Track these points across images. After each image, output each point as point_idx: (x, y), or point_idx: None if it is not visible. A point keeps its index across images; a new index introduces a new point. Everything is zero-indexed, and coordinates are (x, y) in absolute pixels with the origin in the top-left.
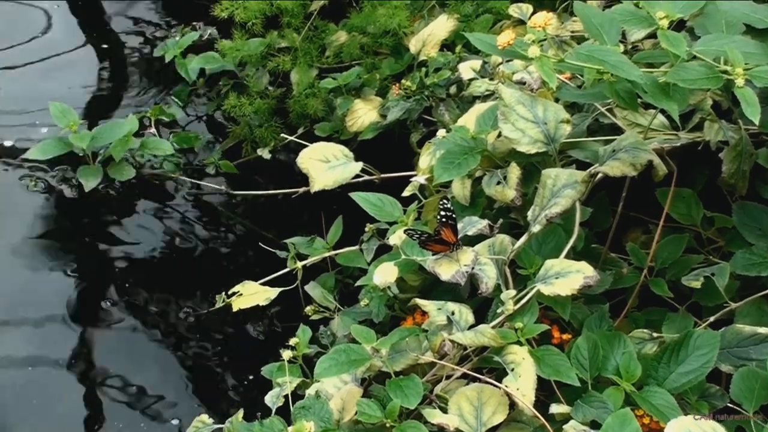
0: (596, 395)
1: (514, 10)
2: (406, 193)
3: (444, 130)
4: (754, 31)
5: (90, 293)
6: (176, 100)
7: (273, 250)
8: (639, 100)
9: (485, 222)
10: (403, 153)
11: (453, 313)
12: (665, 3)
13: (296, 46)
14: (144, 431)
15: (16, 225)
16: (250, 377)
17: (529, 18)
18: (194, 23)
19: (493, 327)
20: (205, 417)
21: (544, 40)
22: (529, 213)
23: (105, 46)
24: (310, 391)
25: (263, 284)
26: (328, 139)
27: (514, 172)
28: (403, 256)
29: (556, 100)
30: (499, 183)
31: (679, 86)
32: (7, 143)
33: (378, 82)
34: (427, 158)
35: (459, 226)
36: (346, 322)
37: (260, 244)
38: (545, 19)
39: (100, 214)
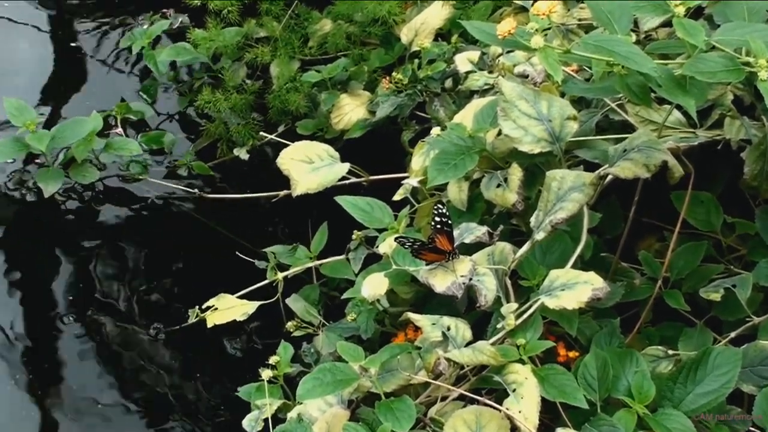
0: (606, 418)
1: None
2: (397, 197)
3: (439, 128)
4: None
5: (48, 307)
6: (144, 95)
7: (251, 260)
8: (653, 95)
9: (484, 229)
10: (393, 153)
11: (449, 329)
12: None
13: (276, 36)
14: None
15: None
16: (227, 399)
17: (532, 4)
18: (164, 10)
19: (493, 344)
20: None
21: (549, 28)
22: (532, 219)
23: (60, 32)
24: (292, 415)
25: (240, 297)
26: (311, 137)
27: (516, 173)
28: (394, 267)
29: (562, 95)
30: (499, 186)
31: (696, 79)
32: None
33: (366, 76)
34: (420, 159)
35: (455, 233)
36: (332, 338)
37: (237, 253)
38: (549, 6)
39: (61, 221)
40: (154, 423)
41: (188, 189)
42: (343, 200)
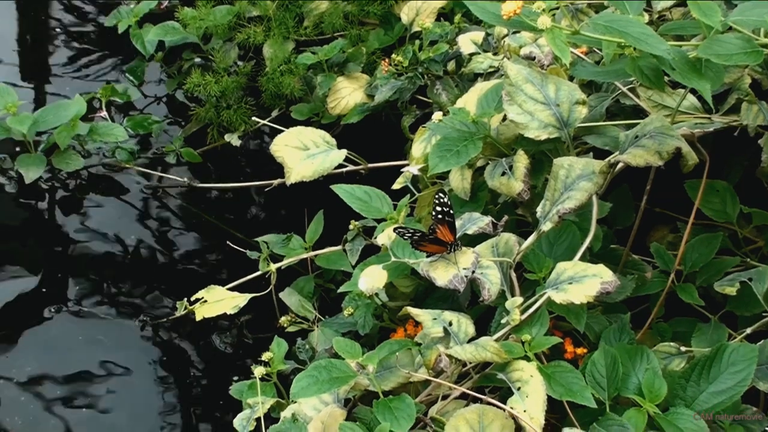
0: (615, 418)
1: None
2: (396, 185)
3: (441, 113)
4: None
5: (32, 299)
6: (131, 77)
7: (243, 251)
8: (666, 79)
9: (488, 219)
10: (393, 139)
11: (450, 324)
12: None
13: (270, 15)
14: None
15: None
16: (217, 397)
17: None
18: None
19: (497, 340)
20: None
21: (557, 8)
22: (539, 209)
23: (41, 11)
24: (285, 414)
25: (231, 290)
26: (306, 123)
27: (522, 161)
28: (393, 258)
29: (570, 79)
30: (503, 174)
31: (712, 62)
32: None
33: (364, 57)
34: (421, 145)
35: (457, 223)
36: (328, 334)
37: (228, 243)
38: None
39: (43, 211)
40: (138, 421)
41: (177, 177)
42: (339, 189)
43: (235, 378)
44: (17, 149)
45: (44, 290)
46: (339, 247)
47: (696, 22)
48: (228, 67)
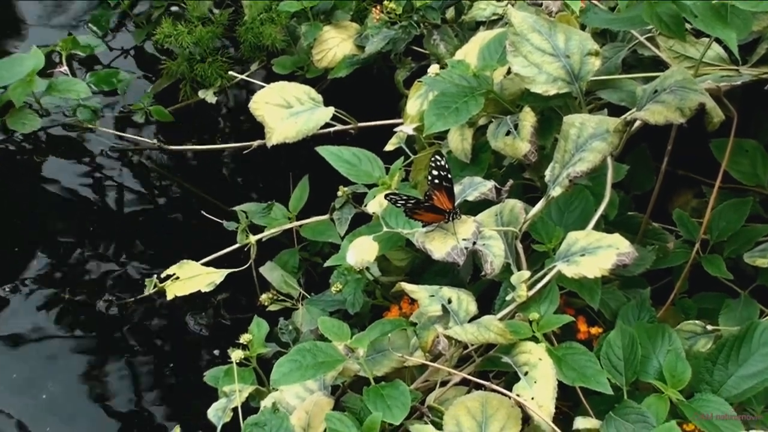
0: (633, 406)
1: None
2: (389, 147)
3: (438, 66)
4: None
5: None
6: (94, 28)
7: (219, 221)
8: (688, 27)
9: (490, 184)
10: (385, 95)
11: (450, 302)
12: None
13: None
14: None
15: None
16: (189, 384)
17: None
18: None
19: (501, 319)
20: None
21: None
22: (547, 172)
23: None
24: (265, 403)
25: (206, 264)
26: (290, 77)
27: (528, 119)
28: (386, 229)
29: (582, 27)
30: (508, 133)
31: (738, 8)
32: None
33: (354, 4)
34: (416, 102)
35: (457, 189)
36: (313, 313)
37: (202, 212)
38: None
39: None
40: (106, 411)
41: (146, 138)
42: (325, 151)
43: (209, 362)
44: None
45: None
46: (326, 217)
47: None
48: (202, 15)
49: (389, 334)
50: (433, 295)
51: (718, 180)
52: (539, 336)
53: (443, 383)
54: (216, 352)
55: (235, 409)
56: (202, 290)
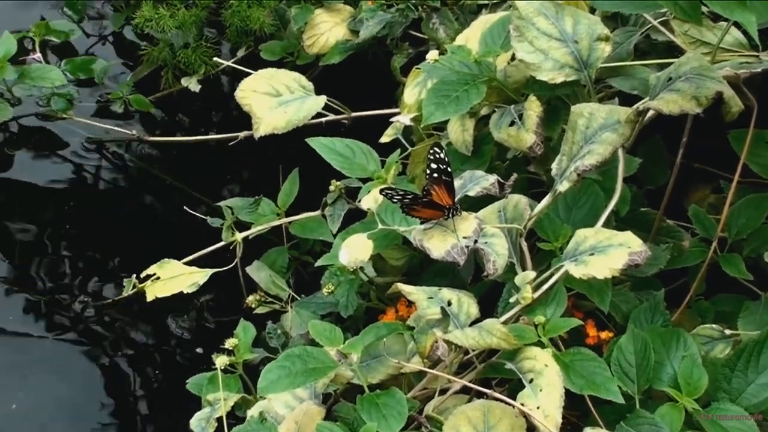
0: (646, 415)
1: None
2: (385, 138)
3: (437, 51)
4: None
5: None
6: (69, 12)
7: (203, 217)
8: (704, 9)
9: (493, 178)
10: (381, 83)
11: (449, 304)
12: None
13: None
14: None
15: None
16: (171, 391)
17: None
18: None
19: (505, 322)
20: None
21: None
22: (554, 165)
23: None
24: (252, 412)
25: (189, 264)
26: (279, 64)
27: (534, 108)
28: (381, 226)
29: (591, 11)
30: (512, 124)
31: None
32: None
33: None
34: (414, 90)
35: (457, 183)
36: (303, 316)
37: (185, 208)
38: None
39: None
40: (76, 420)
41: (125, 129)
42: (317, 142)
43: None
44: None
45: None
46: (317, 213)
47: None
48: None
49: (385, 339)
50: (431, 297)
51: (737, 174)
52: (545, 341)
53: (442, 391)
54: (199, 356)
55: (219, 419)
56: (185, 291)
